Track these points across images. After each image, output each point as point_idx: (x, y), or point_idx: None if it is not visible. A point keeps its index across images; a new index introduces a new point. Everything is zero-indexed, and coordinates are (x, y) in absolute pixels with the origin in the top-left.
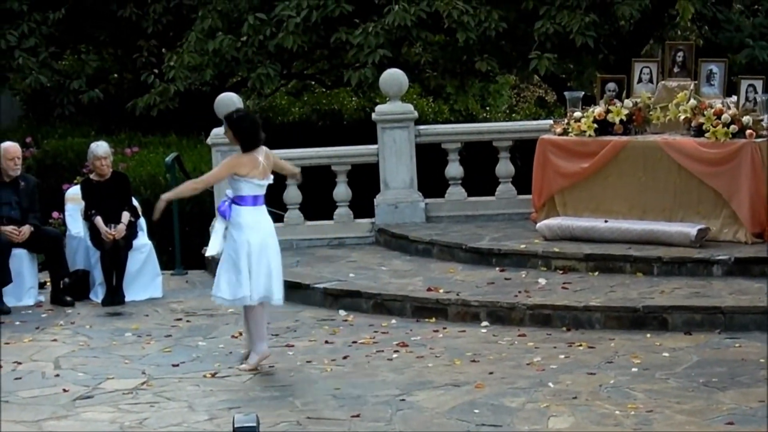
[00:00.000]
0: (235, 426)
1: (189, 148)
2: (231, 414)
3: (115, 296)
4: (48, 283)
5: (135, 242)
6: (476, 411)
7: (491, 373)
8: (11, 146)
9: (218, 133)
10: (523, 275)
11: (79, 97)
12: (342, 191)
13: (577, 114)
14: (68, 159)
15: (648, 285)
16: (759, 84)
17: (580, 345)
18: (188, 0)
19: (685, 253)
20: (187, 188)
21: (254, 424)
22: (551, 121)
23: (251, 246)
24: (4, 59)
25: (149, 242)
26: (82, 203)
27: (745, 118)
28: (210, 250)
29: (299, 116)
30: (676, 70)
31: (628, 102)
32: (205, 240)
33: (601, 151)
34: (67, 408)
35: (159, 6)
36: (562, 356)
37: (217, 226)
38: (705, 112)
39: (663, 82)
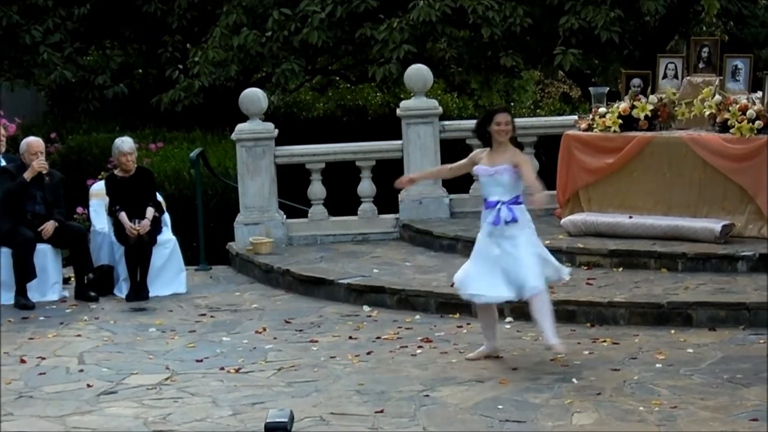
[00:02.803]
0: (267, 420)
1: (213, 143)
2: (255, 409)
3: (139, 292)
4: (72, 279)
5: (159, 238)
6: (500, 407)
7: (515, 368)
8: (34, 141)
9: (243, 128)
10: None
11: (104, 92)
12: (366, 187)
13: (602, 110)
14: (93, 154)
15: (672, 281)
16: None
17: (605, 341)
18: None
19: (710, 249)
20: None
21: (285, 420)
22: (576, 117)
23: None
24: (29, 55)
25: (173, 238)
26: (107, 199)
27: None
28: None
29: (324, 112)
30: (701, 65)
31: (653, 98)
32: (230, 236)
33: (626, 146)
34: (90, 403)
35: (184, 1)
36: (586, 352)
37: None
38: (730, 108)
39: (688, 77)
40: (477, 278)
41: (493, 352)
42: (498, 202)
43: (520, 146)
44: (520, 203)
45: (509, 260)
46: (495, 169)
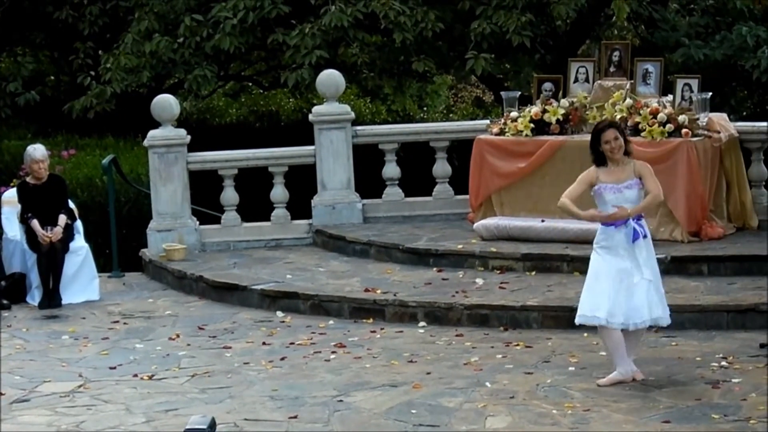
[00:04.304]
0: (187, 427)
1: (126, 150)
2: (168, 416)
3: (51, 299)
4: None
5: (72, 245)
6: (414, 411)
7: (429, 373)
8: None
9: (155, 135)
10: (461, 275)
11: (16, 99)
12: (279, 193)
13: (514, 114)
14: (4, 162)
15: None
16: (695, 83)
17: (518, 345)
18: (124, 2)
19: None
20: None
21: (205, 427)
22: (488, 122)
23: None
24: None
25: (86, 245)
26: (19, 206)
27: (681, 118)
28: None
29: (236, 118)
30: (612, 69)
31: (564, 102)
32: (143, 242)
33: (538, 150)
34: (3, 411)
35: (95, 8)
36: (500, 356)
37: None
38: (641, 112)
39: (599, 81)
40: (606, 300)
41: (627, 377)
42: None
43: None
44: (641, 217)
45: (641, 283)
46: (625, 184)
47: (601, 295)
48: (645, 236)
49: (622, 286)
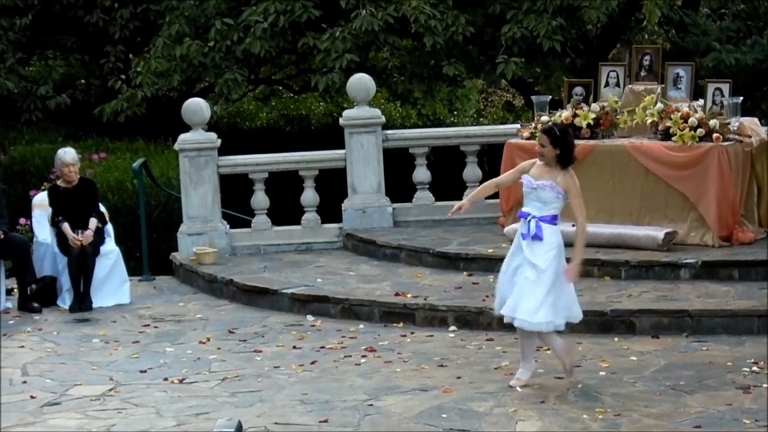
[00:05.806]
0: (214, 430)
1: (156, 153)
2: (199, 420)
3: (82, 302)
4: (15, 290)
5: (102, 248)
6: (444, 415)
7: (459, 377)
8: None
9: (185, 138)
10: (491, 279)
11: (47, 103)
12: (309, 196)
13: (545, 118)
14: (35, 165)
15: (616, 289)
16: (726, 87)
17: (548, 349)
18: (155, 5)
19: (653, 256)
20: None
21: (232, 430)
22: (518, 126)
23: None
24: None
25: (116, 248)
26: (50, 209)
27: (712, 122)
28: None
29: (267, 121)
30: (643, 73)
31: (595, 106)
32: (174, 246)
33: None
34: (34, 414)
35: (126, 11)
36: None
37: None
38: (672, 116)
39: (630, 85)
40: (499, 290)
41: (531, 374)
42: (529, 215)
43: (568, 162)
44: (554, 224)
45: (521, 279)
46: (538, 183)
47: (498, 284)
48: (538, 238)
49: (507, 278)
